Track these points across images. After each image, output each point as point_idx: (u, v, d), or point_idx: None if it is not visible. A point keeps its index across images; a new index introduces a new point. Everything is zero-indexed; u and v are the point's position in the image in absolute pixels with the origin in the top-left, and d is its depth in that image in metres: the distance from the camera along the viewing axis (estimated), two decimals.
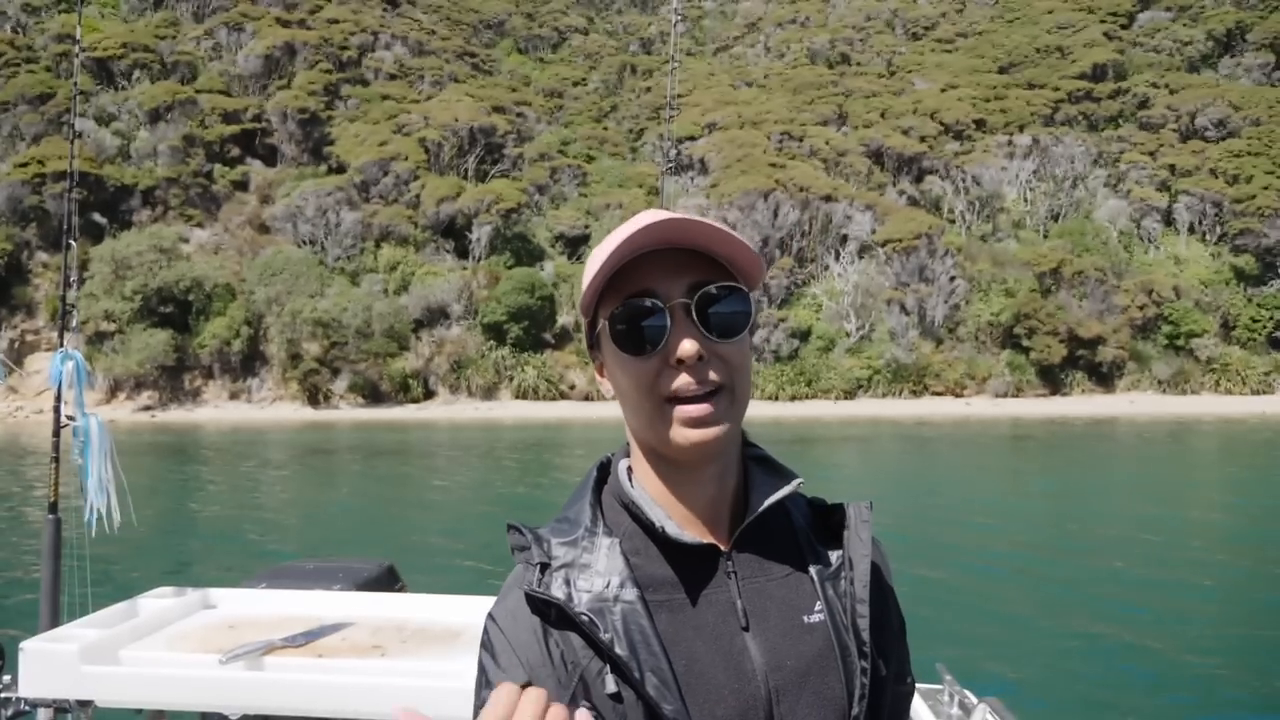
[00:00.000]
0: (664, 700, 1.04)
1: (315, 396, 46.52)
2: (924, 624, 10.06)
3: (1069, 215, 58.01)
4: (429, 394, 47.90)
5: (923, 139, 60.17)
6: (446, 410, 45.96)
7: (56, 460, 3.42)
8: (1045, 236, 56.76)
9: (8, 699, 2.82)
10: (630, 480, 1.15)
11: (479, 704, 1.07)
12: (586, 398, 45.60)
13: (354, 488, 22.70)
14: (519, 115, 59.50)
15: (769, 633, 1.12)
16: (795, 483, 1.19)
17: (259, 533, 15.56)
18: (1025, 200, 58.76)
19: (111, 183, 49.91)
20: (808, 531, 1.21)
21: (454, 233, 51.88)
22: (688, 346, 1.07)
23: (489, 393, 47.91)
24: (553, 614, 1.07)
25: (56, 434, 3.44)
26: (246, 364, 47.15)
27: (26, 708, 2.75)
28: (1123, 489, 22.06)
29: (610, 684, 1.04)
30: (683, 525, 1.13)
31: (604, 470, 1.20)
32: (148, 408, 45.02)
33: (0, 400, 43.52)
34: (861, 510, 1.23)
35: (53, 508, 3.39)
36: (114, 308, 45.07)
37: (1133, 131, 62.56)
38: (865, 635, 1.14)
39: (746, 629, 1.11)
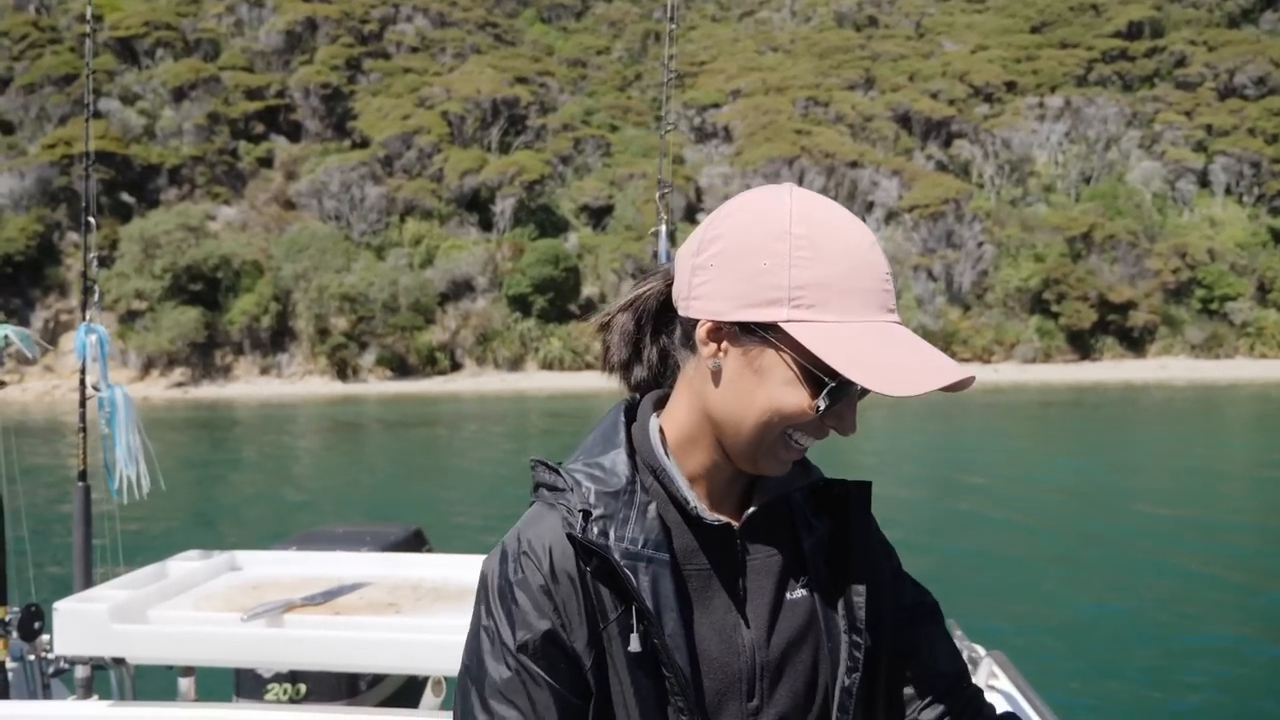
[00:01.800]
0: (682, 665, 1.07)
1: (344, 371, 47.06)
2: (939, 583, 10.12)
3: (1101, 178, 56.93)
4: (456, 366, 48.26)
5: (951, 102, 59.21)
6: (473, 382, 46.31)
7: (84, 430, 3.58)
8: (1077, 200, 55.78)
9: (48, 658, 3.01)
10: (664, 448, 1.14)
11: (511, 647, 1.07)
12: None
13: (384, 458, 23.08)
14: (542, 86, 59.29)
15: (760, 609, 1.15)
16: (816, 476, 1.21)
17: (290, 501, 15.93)
18: (1056, 163, 57.73)
19: (138, 162, 50.51)
20: (803, 505, 1.22)
21: (478, 205, 52.00)
22: (849, 429, 1.10)
23: (515, 364, 48.19)
24: (594, 563, 1.07)
25: (83, 405, 3.59)
26: (276, 340, 47.75)
27: (66, 665, 2.91)
28: (1153, 456, 21.77)
29: (635, 643, 1.06)
30: (703, 500, 1.15)
31: (629, 414, 1.19)
32: (180, 384, 45.78)
33: (38, 379, 44.46)
34: (859, 487, 1.24)
35: (82, 475, 3.54)
36: (144, 286, 45.76)
37: (1169, 91, 61.09)
38: (861, 614, 1.17)
39: (743, 605, 1.14)
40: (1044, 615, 9.10)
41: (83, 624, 2.63)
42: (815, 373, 1.04)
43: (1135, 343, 50.10)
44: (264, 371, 47.48)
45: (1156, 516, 14.39)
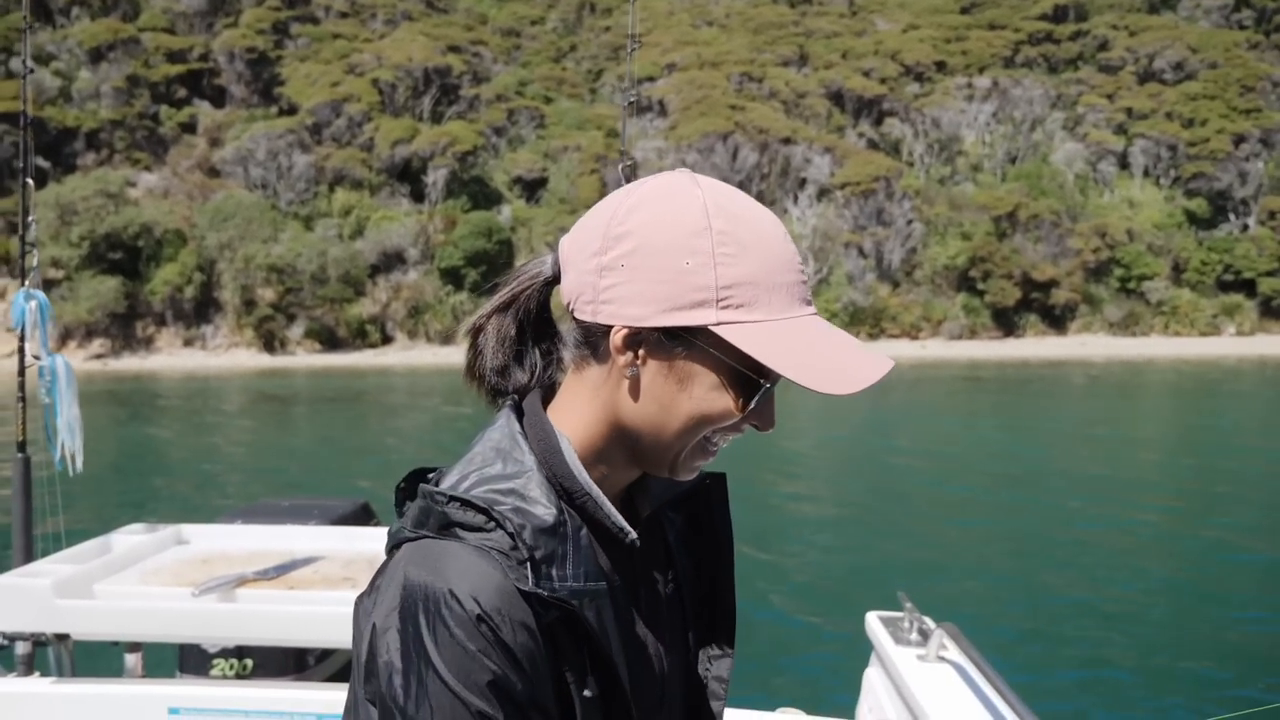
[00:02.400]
0: (630, 696, 1.01)
1: (271, 343, 46.13)
2: (881, 557, 10.42)
3: (1026, 158, 58.23)
4: (386, 340, 47.64)
5: (883, 81, 59.87)
6: (404, 356, 45.78)
7: (23, 400, 3.47)
8: (1003, 180, 57.00)
9: None
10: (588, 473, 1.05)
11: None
12: None
13: (315, 431, 22.73)
14: (475, 55, 58.41)
15: (655, 612, 1.12)
16: (701, 477, 1.18)
17: (222, 474, 15.63)
18: (984, 143, 58.87)
19: (53, 125, 48.60)
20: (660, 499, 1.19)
21: (409, 176, 51.18)
22: (767, 426, 1.05)
23: (447, 338, 47.72)
24: (552, 614, 0.95)
25: (21, 373, 3.48)
26: (200, 311, 46.57)
27: (4, 641, 2.82)
28: (1075, 429, 22.49)
29: (593, 685, 0.98)
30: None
31: (520, 420, 1.06)
32: (99, 356, 44.43)
33: None
34: (718, 479, 1.21)
35: (21, 446, 3.44)
36: (61, 254, 44.19)
37: (1091, 74, 62.60)
38: (734, 598, 1.19)
39: (647, 615, 1.11)
40: (988, 588, 9.38)
41: (25, 599, 2.58)
42: (746, 374, 0.99)
43: (1057, 320, 51.54)
44: (187, 343, 46.31)
45: (1086, 484, 14.95)
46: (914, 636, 2.92)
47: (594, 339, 1.03)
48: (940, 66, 62.00)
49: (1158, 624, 8.48)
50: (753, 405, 1.00)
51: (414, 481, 1.07)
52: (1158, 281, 51.82)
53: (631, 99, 2.74)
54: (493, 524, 0.96)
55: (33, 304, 3.32)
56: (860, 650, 3.27)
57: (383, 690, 0.94)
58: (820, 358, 0.99)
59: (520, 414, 1.06)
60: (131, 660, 2.83)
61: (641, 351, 1.00)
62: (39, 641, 2.74)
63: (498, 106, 55.24)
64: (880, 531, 11.83)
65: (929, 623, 2.97)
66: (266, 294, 46.27)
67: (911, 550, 10.82)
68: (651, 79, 57.97)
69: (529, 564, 0.94)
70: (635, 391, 1.01)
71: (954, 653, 2.76)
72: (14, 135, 45.89)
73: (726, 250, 0.98)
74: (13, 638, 2.72)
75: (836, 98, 58.80)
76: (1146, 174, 57.41)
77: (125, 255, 45.35)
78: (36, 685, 2.58)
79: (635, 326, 0.99)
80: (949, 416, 25.17)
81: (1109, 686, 6.92)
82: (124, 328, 45.40)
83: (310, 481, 14.63)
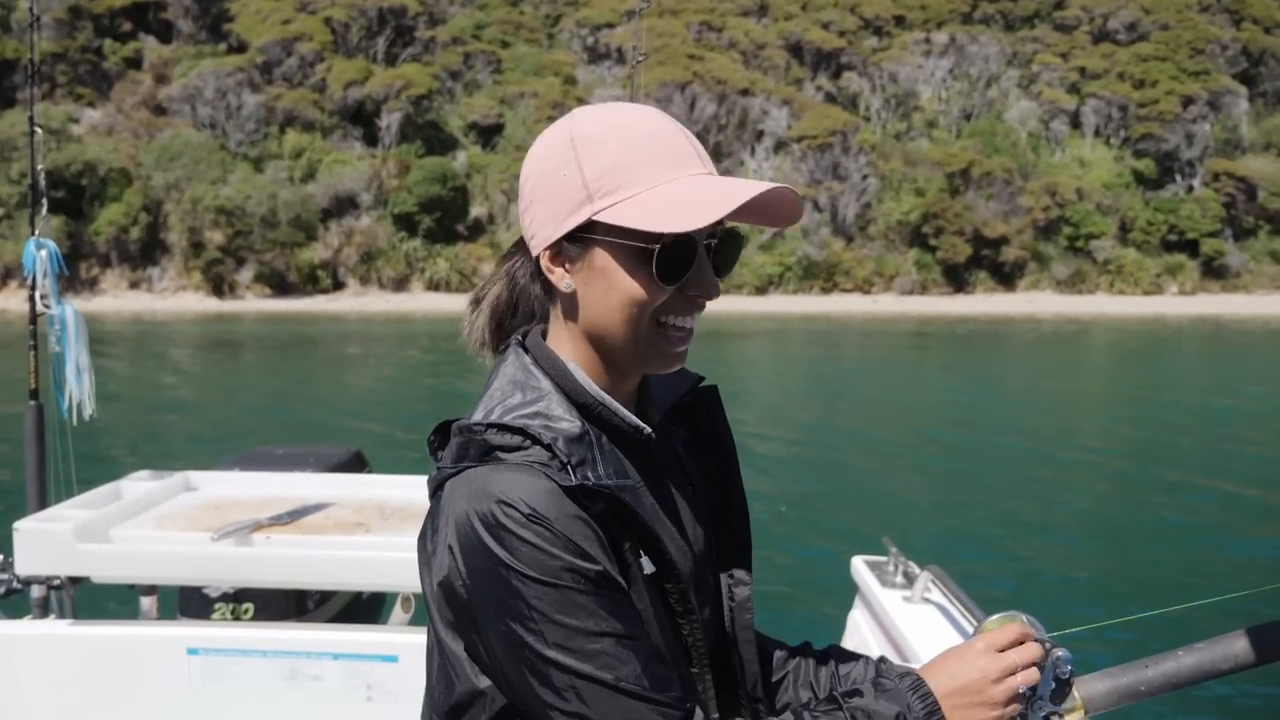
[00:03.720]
0: (683, 569, 1.14)
1: (220, 287, 45.33)
2: (855, 505, 10.75)
3: (981, 115, 58.64)
4: (338, 285, 47.05)
5: (842, 34, 59.70)
6: (357, 302, 45.28)
7: (34, 348, 3.49)
8: (958, 136, 57.40)
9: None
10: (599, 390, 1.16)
11: (574, 585, 1.02)
12: None
13: (271, 378, 22.55)
14: None
15: (679, 515, 1.23)
16: (695, 379, 1.30)
17: (192, 423, 15.48)
18: (940, 99, 59.14)
19: None
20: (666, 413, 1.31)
21: (363, 119, 50.20)
22: (704, 291, 1.13)
23: (400, 285, 47.26)
24: (599, 505, 1.06)
25: (33, 321, 3.50)
26: (146, 252, 45.55)
27: (19, 585, 2.88)
28: (1029, 382, 23.04)
29: (649, 565, 1.10)
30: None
31: (528, 354, 1.18)
32: (43, 297, 43.33)
33: None
34: (710, 391, 1.33)
35: (33, 394, 3.46)
36: (0, 191, 42.85)
37: (1047, 32, 62.96)
38: (744, 497, 1.31)
39: (673, 512, 1.22)
40: (965, 534, 9.74)
41: (45, 543, 2.65)
42: (641, 247, 1.08)
43: (1006, 277, 52.36)
44: (133, 285, 45.36)
45: (1044, 432, 15.50)
46: (899, 580, 3.04)
47: (541, 274, 1.17)
48: (899, 21, 61.94)
49: (1140, 560, 8.94)
50: (670, 272, 1.09)
51: (442, 432, 1.20)
52: (1105, 240, 52.78)
53: (641, 58, 2.81)
54: (529, 441, 1.07)
55: (43, 253, 3.33)
56: (843, 594, 3.42)
57: (478, 615, 1.05)
58: (683, 202, 1.07)
59: (525, 349, 1.18)
60: (147, 603, 2.91)
61: (566, 265, 1.14)
62: (53, 585, 2.83)
63: (454, 50, 54.20)
64: (851, 481, 12.16)
65: (914, 566, 3.08)
66: (215, 236, 45.36)
67: (887, 498, 11.19)
68: (610, 25, 57.22)
69: (568, 468, 1.05)
70: (579, 302, 1.14)
71: (939, 594, 2.86)
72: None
73: (588, 151, 1.10)
74: (29, 581, 2.79)
75: (795, 50, 58.56)
76: (1097, 134, 58.17)
77: (68, 194, 44.03)
78: (55, 627, 2.67)
79: (547, 246, 1.13)
80: (901, 369, 25.65)
81: (1088, 616, 7.35)
82: (69, 269, 44.29)
83: (278, 430, 14.58)
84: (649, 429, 1.17)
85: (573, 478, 1.05)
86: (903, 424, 16.71)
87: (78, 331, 3.38)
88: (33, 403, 3.44)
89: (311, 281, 46.29)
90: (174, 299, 44.76)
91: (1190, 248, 53.49)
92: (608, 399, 1.15)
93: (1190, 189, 55.71)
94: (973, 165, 52.96)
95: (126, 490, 3.14)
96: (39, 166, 3.54)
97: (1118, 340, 35.95)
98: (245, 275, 45.79)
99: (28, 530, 2.71)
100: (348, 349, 29.29)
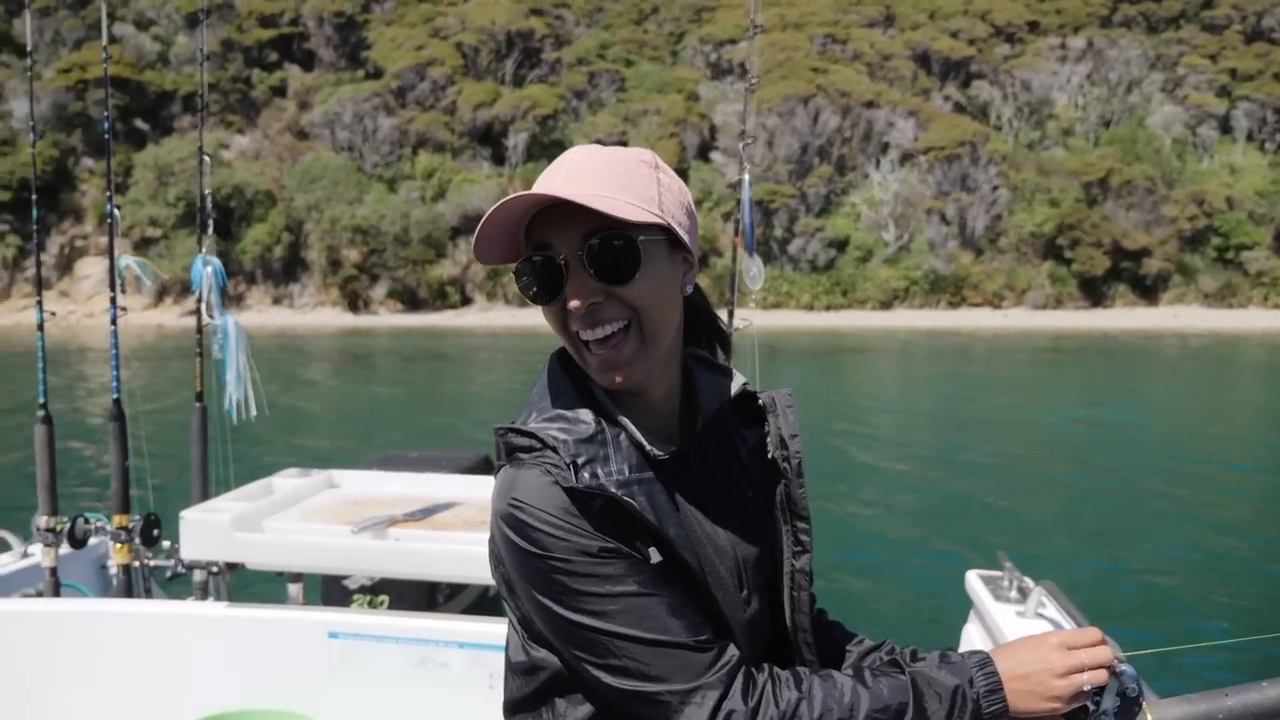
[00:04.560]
0: (694, 562, 1.21)
1: (355, 303, 47.29)
2: (974, 520, 10.53)
3: (1121, 122, 56.26)
4: (466, 301, 48.45)
5: (971, 42, 58.28)
6: (484, 317, 46.53)
7: (200, 355, 3.90)
8: (1095, 144, 55.20)
9: (159, 566, 3.30)
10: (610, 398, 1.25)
11: (637, 585, 1.14)
12: None
13: (406, 389, 23.47)
14: (557, 18, 58.44)
15: (729, 514, 1.29)
16: (740, 382, 1.36)
17: (331, 428, 16.28)
18: (1076, 106, 57.00)
19: (152, 89, 50.17)
20: (733, 417, 1.37)
21: (490, 139, 51.68)
22: (574, 302, 1.18)
23: (524, 301, 48.26)
24: (598, 504, 1.15)
25: (199, 331, 3.91)
26: (288, 270, 47.91)
27: (184, 569, 3.17)
28: (1168, 403, 21.99)
29: (655, 555, 1.18)
30: (659, 430, 1.26)
31: (561, 363, 1.28)
32: (193, 313, 45.99)
33: (53, 303, 44.72)
34: (784, 396, 1.38)
35: (199, 397, 3.84)
36: (158, 214, 45.81)
37: (1194, 33, 59.99)
38: (808, 503, 1.33)
39: (713, 513, 1.28)
40: (1085, 551, 9.42)
41: (207, 532, 2.88)
42: (521, 289, 1.23)
43: (1148, 291, 50.00)
44: (276, 301, 47.73)
45: (1179, 451, 14.76)
46: (1013, 594, 3.01)
47: None
48: (1032, 26, 60.07)
49: (1260, 586, 8.45)
50: (530, 293, 1.21)
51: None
52: (1258, 251, 49.83)
53: (754, 80, 2.86)
54: (539, 443, 1.19)
55: (209, 269, 3.60)
56: (958, 607, 3.38)
57: (519, 593, 1.20)
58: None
59: (560, 358, 1.29)
60: (294, 590, 3.11)
61: None
62: (212, 571, 3.05)
63: (579, 70, 55.29)
64: (972, 495, 11.86)
65: (1028, 581, 3.04)
66: (351, 254, 47.37)
67: (1005, 513, 10.89)
68: (733, 41, 57.33)
69: (572, 468, 1.16)
70: None
71: (1053, 610, 2.83)
72: (115, 99, 47.49)
73: None
74: (192, 566, 3.02)
75: (923, 59, 57.46)
76: (1250, 138, 55.04)
77: (218, 215, 46.46)
78: (214, 609, 2.88)
79: None
80: (1031, 385, 24.77)
81: (1203, 632, 6.99)
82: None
83: (409, 435, 15.14)
84: (659, 452, 1.22)
85: (573, 479, 1.15)
86: (1030, 440, 16.15)
87: (238, 340, 3.63)
88: (198, 405, 3.76)
89: (441, 297, 47.81)
90: (313, 314, 46.91)
91: None
92: (614, 412, 1.23)
93: None
94: (1112, 174, 50.82)
95: (277, 486, 3.38)
96: (206, 190, 3.82)
97: (1271, 357, 33.84)
98: (379, 291, 47.63)
99: (192, 519, 2.95)
100: (475, 361, 30.13)
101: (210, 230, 3.76)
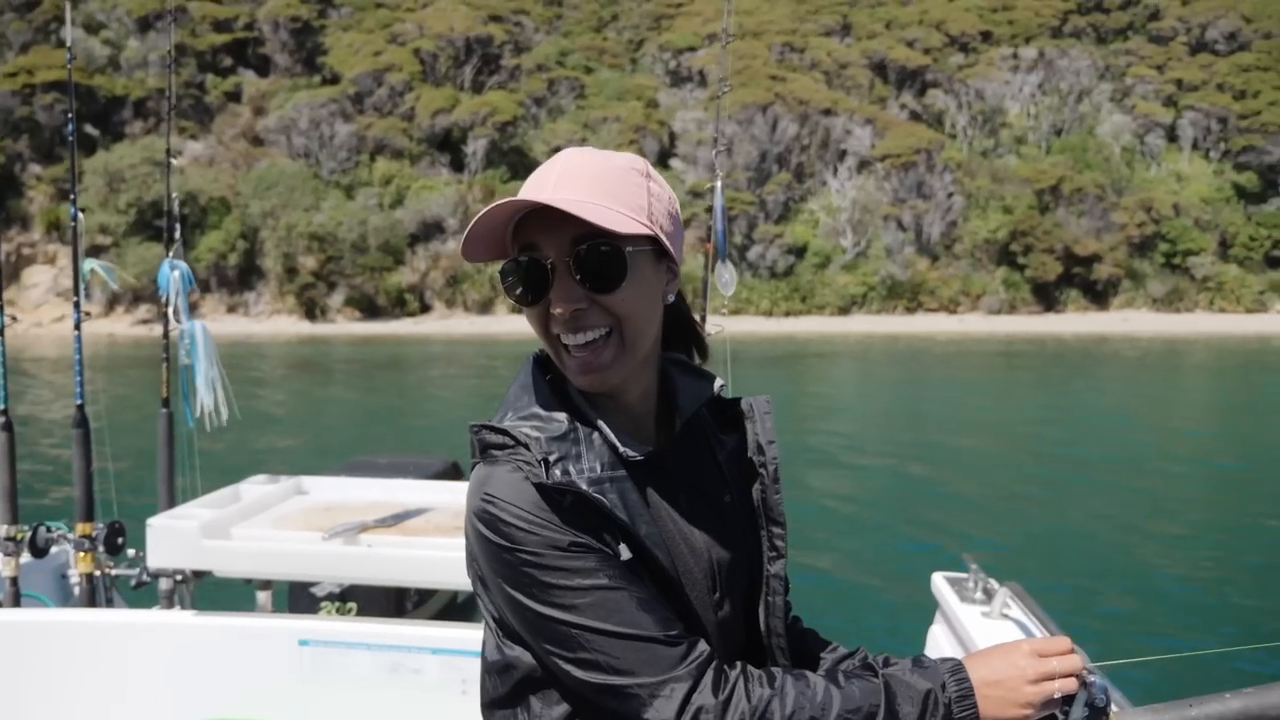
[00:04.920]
0: (666, 561, 1.22)
1: (312, 311, 46.77)
2: (937, 518, 10.62)
3: (1072, 130, 57.32)
4: (425, 308, 48.12)
5: (927, 51, 59.09)
6: (443, 325, 46.24)
7: (167, 360, 3.84)
8: (1047, 152, 56.19)
9: (122, 575, 3.24)
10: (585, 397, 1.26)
11: (607, 580, 1.15)
12: None
13: (364, 397, 23.23)
14: (516, 25, 58.35)
15: (704, 516, 1.30)
16: (718, 385, 1.37)
17: (292, 437, 16.07)
18: (1029, 115, 58.00)
19: (102, 94, 49.30)
20: (712, 422, 1.38)
21: (449, 146, 51.43)
22: (559, 307, 1.19)
23: (485, 307, 48.11)
24: (568, 500, 1.17)
25: (165, 336, 3.86)
26: (243, 278, 47.27)
27: (148, 579, 3.11)
28: (1123, 405, 22.39)
29: (625, 551, 1.18)
30: (636, 431, 1.28)
31: (540, 366, 1.30)
32: (145, 321, 45.25)
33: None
34: (762, 402, 1.38)
35: (165, 403, 3.78)
36: (109, 221, 44.98)
37: (1141, 44, 61.34)
38: (784, 509, 1.35)
39: (689, 514, 1.29)
40: (1047, 553, 9.52)
41: (175, 539, 2.84)
42: (506, 290, 1.24)
43: (1099, 296, 50.94)
44: (230, 309, 47.07)
45: (1132, 454, 15.02)
46: (978, 595, 3.04)
47: None
48: (986, 36, 61.05)
49: (1225, 591, 8.58)
50: (515, 295, 1.23)
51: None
52: (1204, 257, 50.99)
53: (727, 89, 2.88)
54: (513, 440, 1.20)
55: (175, 273, 3.56)
56: (922, 609, 3.42)
57: (491, 589, 1.21)
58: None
59: (537, 360, 1.31)
60: (263, 597, 3.08)
61: None
62: (178, 579, 3.01)
63: (538, 76, 55.23)
64: (935, 497, 11.98)
65: (993, 583, 3.07)
66: (308, 262, 46.86)
67: (969, 515, 11.01)
68: (692, 49, 57.65)
69: (543, 464, 1.17)
70: None
71: (1018, 611, 2.87)
72: (64, 103, 46.65)
73: None
74: (158, 574, 2.98)
75: (879, 68, 58.14)
76: (1195, 147, 56.34)
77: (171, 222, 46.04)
78: (182, 617, 2.85)
79: None
80: (988, 388, 25.12)
81: (1169, 631, 7.11)
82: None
83: (370, 443, 15.02)
84: (632, 453, 1.23)
85: (544, 475, 1.17)
86: (989, 443, 16.38)
87: (206, 345, 3.58)
88: (164, 411, 3.70)
89: (399, 305, 47.45)
90: (269, 322, 46.32)
91: None
92: (590, 413, 1.24)
93: None
94: (1063, 181, 51.75)
95: (245, 493, 3.34)
96: (173, 194, 3.77)
97: (1218, 359, 34.63)
98: (336, 299, 47.16)
99: (159, 526, 2.91)
100: (434, 369, 29.93)
101: (178, 235, 3.71)
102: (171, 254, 3.65)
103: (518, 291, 1.22)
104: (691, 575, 1.27)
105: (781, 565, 1.34)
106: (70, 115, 3.72)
